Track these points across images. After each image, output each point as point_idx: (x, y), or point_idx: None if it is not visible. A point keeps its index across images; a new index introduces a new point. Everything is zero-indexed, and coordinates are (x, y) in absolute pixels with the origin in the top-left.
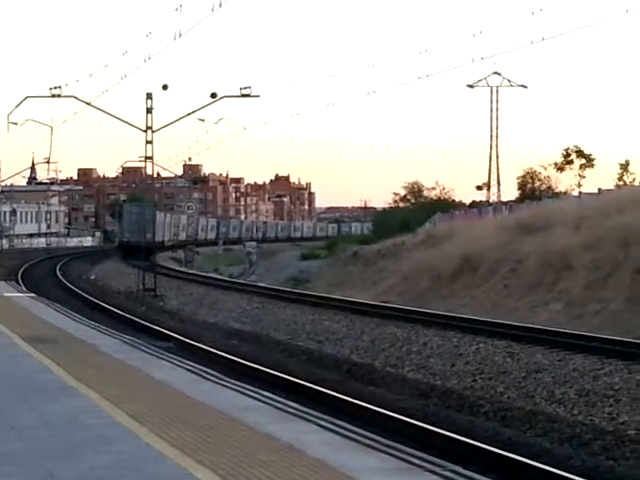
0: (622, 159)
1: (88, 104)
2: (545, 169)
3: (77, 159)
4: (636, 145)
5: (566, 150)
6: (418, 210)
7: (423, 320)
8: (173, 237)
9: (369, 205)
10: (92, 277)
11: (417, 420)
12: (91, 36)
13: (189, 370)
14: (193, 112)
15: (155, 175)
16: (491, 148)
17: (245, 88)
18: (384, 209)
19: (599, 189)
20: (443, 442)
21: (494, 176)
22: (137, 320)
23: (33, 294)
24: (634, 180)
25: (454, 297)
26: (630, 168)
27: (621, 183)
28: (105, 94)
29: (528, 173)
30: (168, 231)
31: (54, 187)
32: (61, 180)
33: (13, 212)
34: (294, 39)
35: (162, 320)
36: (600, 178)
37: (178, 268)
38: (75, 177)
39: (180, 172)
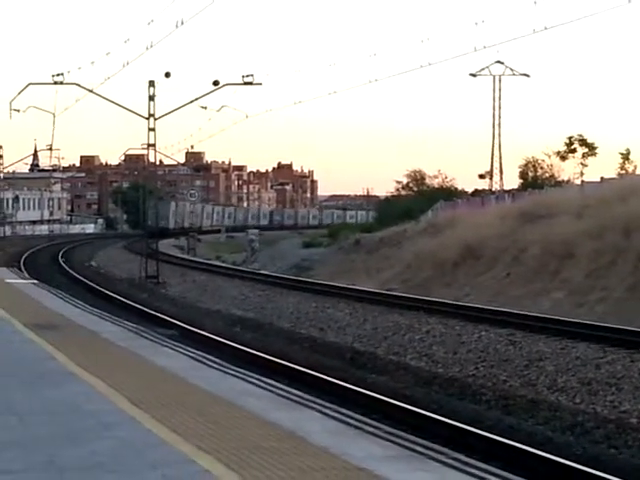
0: (624, 147)
1: (90, 91)
2: (549, 157)
3: (79, 146)
4: (638, 133)
5: (569, 139)
6: (420, 198)
7: (426, 308)
8: (215, 223)
9: (372, 193)
10: (93, 264)
11: (420, 408)
12: (93, 24)
13: (191, 357)
14: (195, 100)
15: (157, 163)
16: (493, 137)
17: (247, 76)
18: (387, 197)
19: (601, 178)
20: (446, 430)
21: (496, 165)
22: (139, 307)
23: (35, 280)
24: (635, 169)
25: (457, 285)
26: (631, 157)
27: (623, 172)
28: (107, 81)
29: (530, 162)
30: (208, 219)
31: (56, 174)
32: (63, 167)
33: (16, 199)
34: (296, 27)
35: (165, 307)
36: (603, 167)
37: (181, 255)
38: (77, 164)
39: (182, 160)
